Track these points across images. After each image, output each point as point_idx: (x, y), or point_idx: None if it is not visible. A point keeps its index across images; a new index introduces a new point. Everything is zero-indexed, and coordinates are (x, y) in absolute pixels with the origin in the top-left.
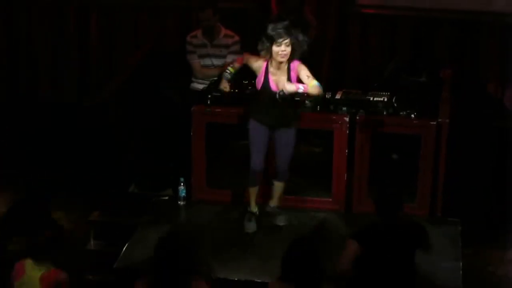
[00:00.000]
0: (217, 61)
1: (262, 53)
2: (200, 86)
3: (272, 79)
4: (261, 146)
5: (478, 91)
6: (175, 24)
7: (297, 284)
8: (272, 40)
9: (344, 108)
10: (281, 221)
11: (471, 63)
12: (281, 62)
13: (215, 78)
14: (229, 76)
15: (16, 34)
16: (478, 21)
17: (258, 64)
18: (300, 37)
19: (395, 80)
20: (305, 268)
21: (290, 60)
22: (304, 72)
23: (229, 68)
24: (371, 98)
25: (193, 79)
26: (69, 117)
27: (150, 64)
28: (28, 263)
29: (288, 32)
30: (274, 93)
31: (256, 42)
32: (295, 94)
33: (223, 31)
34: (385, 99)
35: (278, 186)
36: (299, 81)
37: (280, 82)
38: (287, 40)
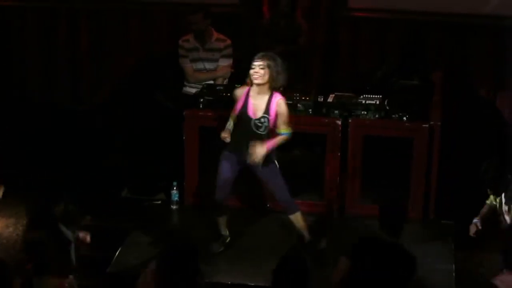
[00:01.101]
0: (209, 65)
1: (247, 80)
2: (193, 90)
3: (251, 104)
4: (225, 181)
5: (469, 93)
6: (166, 29)
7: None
8: (250, 66)
9: (336, 112)
10: (320, 245)
11: (462, 66)
12: (257, 85)
13: (208, 82)
14: (230, 128)
15: (7, 37)
16: (469, 23)
17: (239, 93)
18: (277, 64)
19: (386, 83)
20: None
21: (271, 87)
22: (282, 118)
23: (230, 120)
24: (363, 101)
25: (186, 83)
26: (62, 121)
27: (143, 69)
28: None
29: (263, 57)
30: (250, 119)
31: (248, 46)
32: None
33: (215, 35)
34: (377, 102)
35: (294, 220)
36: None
37: (259, 108)
38: (261, 63)
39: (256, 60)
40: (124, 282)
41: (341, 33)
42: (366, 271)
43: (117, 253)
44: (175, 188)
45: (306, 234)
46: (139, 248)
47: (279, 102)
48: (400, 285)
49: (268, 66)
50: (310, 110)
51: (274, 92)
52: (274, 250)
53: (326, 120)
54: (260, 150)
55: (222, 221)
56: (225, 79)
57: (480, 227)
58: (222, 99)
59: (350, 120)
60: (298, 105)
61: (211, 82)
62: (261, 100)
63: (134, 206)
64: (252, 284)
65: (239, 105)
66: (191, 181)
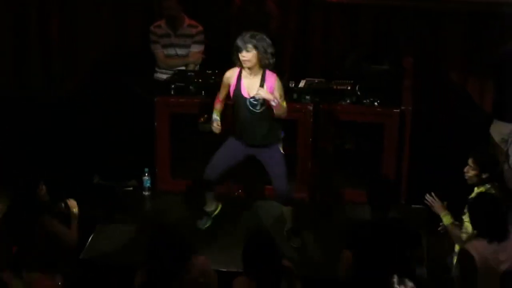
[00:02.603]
0: (181, 51)
1: (237, 64)
2: (164, 76)
3: (244, 84)
4: (222, 161)
5: (440, 78)
6: (138, 15)
7: (259, 279)
8: (237, 50)
9: (308, 97)
10: (294, 243)
11: (432, 51)
12: (249, 68)
13: (179, 68)
14: (218, 118)
15: None
16: (440, 9)
17: (230, 75)
18: (264, 45)
19: (357, 69)
20: (264, 263)
21: (263, 67)
22: (278, 92)
23: (215, 112)
24: (335, 87)
25: (157, 69)
26: (32, 111)
27: (113, 55)
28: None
29: (250, 39)
30: (245, 99)
31: (218, 33)
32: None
33: (187, 21)
34: (349, 88)
35: (284, 211)
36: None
37: (252, 87)
38: (248, 45)
39: (242, 43)
40: (97, 268)
41: (312, 18)
42: (369, 257)
43: (89, 240)
44: (146, 174)
45: (290, 225)
46: (112, 235)
47: (274, 79)
48: (404, 258)
49: (255, 47)
50: None
51: (266, 71)
52: (244, 236)
53: (298, 106)
54: (263, 91)
55: (209, 195)
56: (196, 65)
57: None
58: (193, 85)
59: (321, 106)
60: None
61: (183, 68)
62: (254, 79)
63: (105, 193)
64: (224, 270)
65: (232, 88)
66: (163, 167)
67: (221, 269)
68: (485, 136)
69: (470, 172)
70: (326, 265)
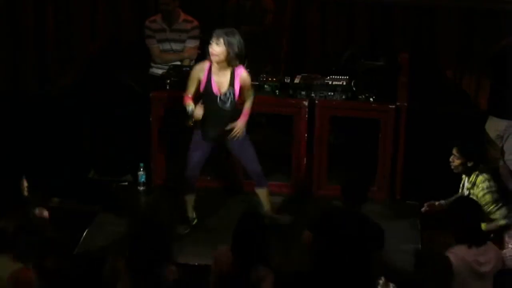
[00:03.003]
0: (176, 46)
1: (207, 57)
2: (159, 71)
3: (214, 81)
4: (196, 158)
5: (435, 75)
6: (133, 10)
7: (240, 256)
8: (209, 43)
9: (303, 93)
10: (280, 221)
11: (428, 47)
12: (217, 63)
13: (175, 63)
14: (192, 110)
15: None
16: (435, 5)
17: (200, 68)
18: (235, 45)
19: (353, 65)
20: (253, 241)
21: (231, 64)
22: (246, 88)
23: (188, 105)
24: (330, 82)
25: (152, 64)
26: (27, 105)
27: (108, 51)
28: None
29: (221, 33)
30: (215, 96)
31: (213, 29)
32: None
33: (182, 16)
34: (344, 83)
35: (261, 193)
36: (241, 88)
37: (222, 84)
38: (218, 40)
39: (213, 36)
40: (92, 263)
41: (308, 14)
42: (329, 243)
43: (84, 235)
44: (142, 169)
45: (269, 209)
46: (106, 230)
47: (242, 76)
48: (365, 254)
49: (227, 43)
50: (277, 91)
51: (234, 67)
52: None
53: (293, 101)
54: (240, 125)
55: (190, 201)
56: (191, 60)
57: (429, 207)
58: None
59: (316, 101)
60: (265, 86)
61: (178, 63)
62: (224, 76)
63: (101, 188)
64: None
65: (202, 83)
66: (158, 163)
67: (205, 263)
68: (481, 133)
69: (455, 161)
70: None
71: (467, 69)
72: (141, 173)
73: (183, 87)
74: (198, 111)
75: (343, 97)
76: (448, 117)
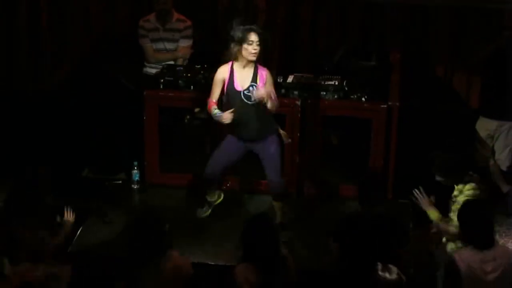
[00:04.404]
0: (169, 45)
1: (230, 57)
2: (153, 71)
3: (236, 78)
4: (221, 160)
5: (427, 74)
6: (127, 9)
7: (259, 263)
8: (242, 41)
9: (296, 92)
10: (282, 237)
11: (420, 47)
12: (250, 61)
13: (168, 63)
14: (219, 114)
15: None
16: (427, 4)
17: (223, 70)
18: (265, 37)
19: (345, 64)
20: (265, 246)
21: (257, 59)
22: (271, 86)
23: (212, 109)
24: (322, 82)
25: (146, 64)
26: (20, 103)
27: (102, 49)
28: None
29: (258, 32)
30: (239, 92)
31: (206, 29)
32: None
33: (176, 15)
34: (336, 83)
35: (275, 206)
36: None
37: (245, 80)
38: (258, 39)
39: (252, 36)
40: (85, 261)
41: (300, 13)
42: (355, 249)
43: (78, 233)
44: (135, 167)
45: (279, 219)
46: (100, 228)
47: (265, 74)
48: (393, 254)
49: (264, 41)
50: None
51: (257, 64)
52: (235, 231)
53: (286, 101)
54: (261, 91)
55: (212, 189)
56: (185, 59)
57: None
58: (182, 80)
59: (309, 101)
60: None
61: (171, 62)
62: (247, 72)
63: (95, 186)
64: (213, 263)
65: (226, 83)
66: (152, 161)
67: (209, 263)
68: (471, 132)
69: (440, 179)
70: (312, 258)
71: (458, 68)
72: (134, 171)
73: (177, 86)
74: (228, 115)
75: (335, 96)
76: (440, 115)
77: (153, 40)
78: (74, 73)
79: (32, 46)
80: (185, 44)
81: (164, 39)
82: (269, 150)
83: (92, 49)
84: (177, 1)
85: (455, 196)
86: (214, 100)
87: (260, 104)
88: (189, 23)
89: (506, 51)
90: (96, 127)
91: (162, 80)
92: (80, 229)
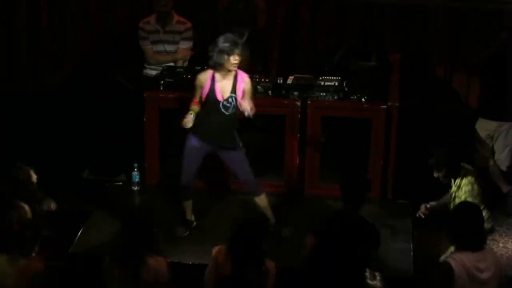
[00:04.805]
0: (169, 47)
1: (214, 65)
2: (153, 72)
3: (218, 87)
4: (192, 164)
5: (426, 75)
6: (126, 11)
7: (239, 255)
8: (229, 53)
9: (296, 93)
10: (284, 233)
11: (419, 47)
12: (230, 71)
13: (168, 64)
14: (193, 118)
15: None
16: (426, 4)
17: (204, 78)
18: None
19: (345, 65)
20: (253, 239)
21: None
22: (249, 95)
23: (191, 111)
24: (322, 83)
25: (146, 65)
26: (21, 104)
27: (103, 50)
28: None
29: (240, 44)
30: (218, 102)
31: (206, 30)
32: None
33: (176, 17)
34: (336, 84)
35: (260, 201)
36: (244, 93)
37: (225, 89)
38: (240, 50)
39: (236, 49)
40: (86, 262)
41: (300, 14)
42: (333, 246)
43: (78, 234)
44: (136, 169)
45: (270, 216)
46: (101, 229)
47: (246, 81)
48: (366, 256)
49: (243, 54)
50: (270, 91)
51: (237, 71)
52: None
53: (286, 102)
54: (248, 103)
55: (188, 205)
56: (185, 61)
57: (427, 210)
58: (182, 81)
59: (309, 102)
60: (258, 86)
61: (172, 64)
62: (227, 81)
63: (95, 187)
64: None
65: (205, 91)
66: (152, 162)
67: (201, 263)
68: (471, 132)
69: (439, 175)
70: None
71: (458, 68)
72: (135, 173)
73: (177, 87)
74: (188, 120)
75: (335, 97)
76: (439, 116)
77: (153, 42)
78: (74, 73)
79: (32, 46)
80: (185, 46)
81: (164, 41)
82: (240, 157)
83: (92, 49)
84: (177, 2)
85: (454, 192)
86: (197, 99)
87: (235, 113)
88: (189, 25)
89: (505, 52)
90: (96, 128)
91: (162, 82)
92: (81, 230)
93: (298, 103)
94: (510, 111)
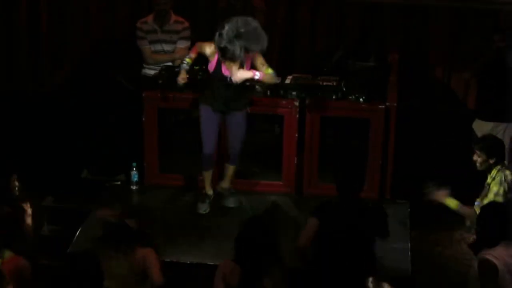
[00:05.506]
0: (167, 47)
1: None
2: (151, 72)
3: (225, 64)
4: (211, 132)
5: (425, 75)
6: (126, 11)
7: (247, 266)
8: (232, 58)
9: (294, 93)
10: (231, 202)
11: (418, 47)
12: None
13: (167, 64)
14: (187, 67)
15: None
16: (425, 5)
17: (212, 50)
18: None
19: (343, 65)
20: (257, 249)
21: None
22: (259, 60)
23: (186, 59)
24: (321, 83)
25: (144, 65)
26: (20, 104)
27: (102, 49)
28: None
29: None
30: (225, 77)
31: (205, 29)
32: (247, 80)
33: (173, 17)
34: (334, 84)
35: (229, 169)
36: (253, 67)
37: (232, 66)
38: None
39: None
40: (85, 261)
41: (299, 14)
42: (334, 229)
43: (77, 234)
44: (134, 168)
45: (228, 183)
46: (99, 228)
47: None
48: (367, 242)
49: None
50: (268, 91)
51: None
52: (233, 230)
53: (284, 102)
54: (245, 73)
55: (208, 176)
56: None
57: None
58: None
59: (307, 101)
60: (256, 86)
61: (170, 64)
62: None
63: (94, 187)
64: (211, 263)
65: (211, 65)
66: (151, 162)
67: (209, 263)
68: (469, 132)
69: (478, 159)
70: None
71: (457, 68)
72: (133, 172)
73: (175, 87)
74: (184, 75)
75: (334, 97)
76: (438, 116)
77: (151, 42)
78: (74, 73)
79: (32, 46)
80: (183, 45)
81: (162, 41)
82: (238, 119)
83: (92, 49)
84: (176, 2)
85: (489, 184)
86: (198, 50)
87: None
88: (186, 24)
89: (500, 55)
90: (95, 128)
91: (160, 82)
92: (79, 230)
93: (297, 103)
94: (506, 112)
